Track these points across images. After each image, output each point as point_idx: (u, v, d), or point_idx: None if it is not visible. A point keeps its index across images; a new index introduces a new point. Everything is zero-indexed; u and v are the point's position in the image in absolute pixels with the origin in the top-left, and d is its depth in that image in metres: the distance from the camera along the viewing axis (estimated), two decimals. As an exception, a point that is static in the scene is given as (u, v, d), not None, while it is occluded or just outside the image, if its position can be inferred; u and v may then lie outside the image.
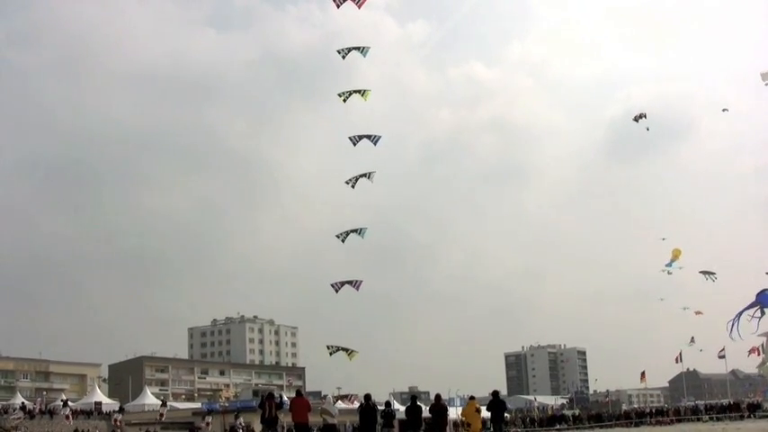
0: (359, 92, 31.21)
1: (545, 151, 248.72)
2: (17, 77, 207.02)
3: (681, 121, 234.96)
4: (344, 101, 31.07)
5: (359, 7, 30.25)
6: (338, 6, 29.86)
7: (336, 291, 33.03)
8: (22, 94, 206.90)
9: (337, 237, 33.08)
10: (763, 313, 63.70)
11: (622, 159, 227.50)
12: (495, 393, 25.20)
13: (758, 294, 65.18)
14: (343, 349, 34.21)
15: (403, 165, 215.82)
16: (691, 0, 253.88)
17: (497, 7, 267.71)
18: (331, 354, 34.00)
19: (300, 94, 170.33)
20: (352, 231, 33.20)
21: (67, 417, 61.40)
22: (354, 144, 31.62)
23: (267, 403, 23.08)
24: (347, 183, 32.51)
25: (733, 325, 63.56)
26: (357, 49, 30.71)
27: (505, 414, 27.05)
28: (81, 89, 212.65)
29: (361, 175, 32.38)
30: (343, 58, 30.61)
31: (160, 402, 78.39)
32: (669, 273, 65.54)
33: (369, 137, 31.76)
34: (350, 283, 33.23)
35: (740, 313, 62.58)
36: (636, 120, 48.39)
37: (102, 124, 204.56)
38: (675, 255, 63.80)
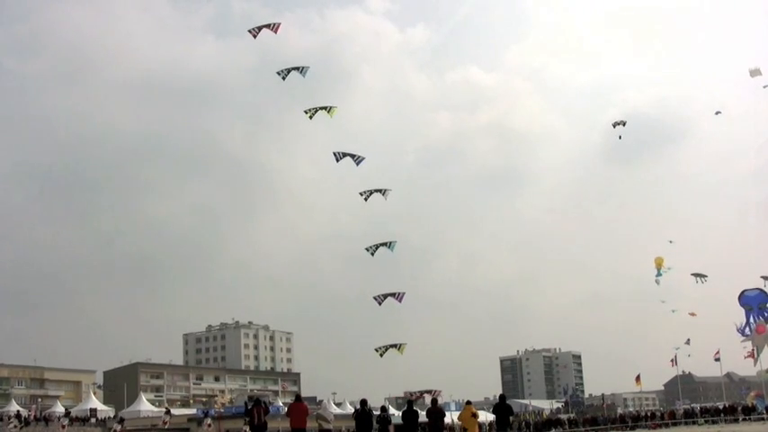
0: (325, 108, 31.15)
1: (543, 155, 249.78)
2: (16, 85, 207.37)
3: (678, 124, 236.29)
4: (310, 117, 31.05)
5: (275, 32, 30.42)
6: (254, 36, 30.14)
7: (380, 303, 32.87)
8: (21, 102, 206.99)
9: (367, 250, 32.95)
10: (754, 321, 64.48)
11: (620, 163, 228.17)
12: (503, 397, 25.22)
13: (739, 297, 66.01)
14: (392, 346, 34.03)
15: (400, 169, 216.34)
16: (689, 4, 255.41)
17: (495, 12, 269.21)
18: (381, 355, 33.76)
19: (299, 100, 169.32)
20: (382, 245, 33.07)
21: (63, 426, 61.15)
22: (338, 160, 31.54)
23: (255, 410, 22.96)
24: (361, 194, 32.38)
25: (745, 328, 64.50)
26: (297, 69, 30.61)
27: (511, 418, 27.11)
28: (79, 96, 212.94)
29: (376, 190, 32.30)
30: (283, 79, 30.54)
31: (164, 410, 78.06)
32: (657, 282, 66.14)
33: (353, 156, 31.64)
34: (393, 295, 33.07)
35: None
36: (614, 126, 48.80)
37: (100, 131, 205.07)
38: (658, 263, 64.28)
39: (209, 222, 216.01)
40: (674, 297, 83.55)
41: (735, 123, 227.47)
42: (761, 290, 66.26)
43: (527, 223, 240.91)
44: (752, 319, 65.75)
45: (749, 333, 65.40)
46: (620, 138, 48.67)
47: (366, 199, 32.26)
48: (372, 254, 32.79)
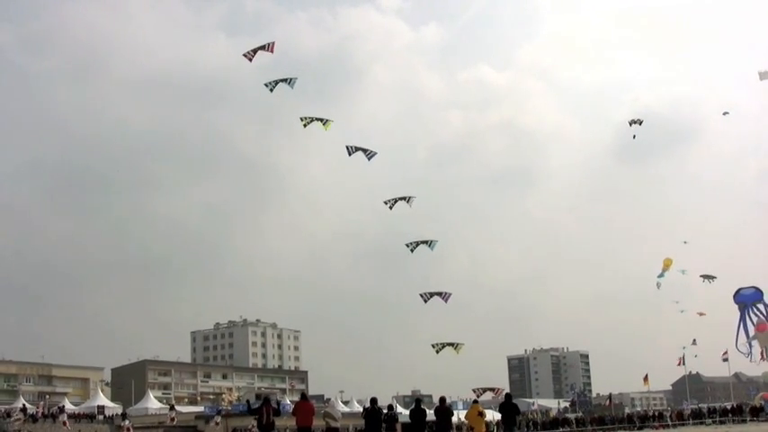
0: (321, 120, 31.14)
1: (553, 155, 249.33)
2: (28, 82, 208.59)
3: (689, 124, 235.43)
4: (305, 126, 31.08)
5: (271, 52, 30.39)
6: (250, 60, 30.10)
7: (425, 301, 32.99)
8: (33, 99, 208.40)
9: (407, 246, 33.09)
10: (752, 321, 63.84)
11: (630, 163, 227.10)
12: (508, 396, 25.11)
13: (735, 295, 65.58)
14: (449, 344, 34.10)
15: (411, 167, 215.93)
16: (699, 4, 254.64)
17: (507, 11, 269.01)
18: (438, 351, 33.86)
19: (311, 98, 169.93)
20: (422, 242, 33.16)
21: (64, 423, 61.17)
22: (350, 154, 31.51)
23: (265, 409, 22.87)
24: (386, 203, 32.41)
25: (737, 338, 63.85)
26: (285, 80, 30.55)
27: (518, 417, 27.00)
28: (91, 94, 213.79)
29: (401, 198, 32.34)
30: (271, 90, 30.53)
31: (168, 407, 78.28)
32: (658, 286, 65.66)
33: (365, 151, 31.60)
34: (439, 294, 33.14)
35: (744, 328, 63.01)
36: (630, 124, 48.53)
37: (111, 129, 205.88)
38: (666, 264, 63.86)
39: (219, 220, 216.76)
40: (682, 297, 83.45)
41: (745, 124, 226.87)
42: (756, 288, 65.84)
43: (537, 222, 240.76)
44: (746, 318, 65.29)
45: (747, 339, 64.87)
46: (634, 137, 48.43)
47: (391, 207, 32.33)
48: (412, 251, 32.96)
